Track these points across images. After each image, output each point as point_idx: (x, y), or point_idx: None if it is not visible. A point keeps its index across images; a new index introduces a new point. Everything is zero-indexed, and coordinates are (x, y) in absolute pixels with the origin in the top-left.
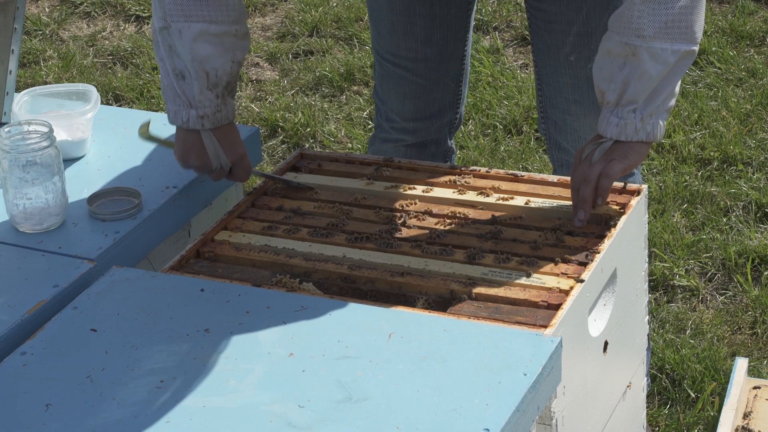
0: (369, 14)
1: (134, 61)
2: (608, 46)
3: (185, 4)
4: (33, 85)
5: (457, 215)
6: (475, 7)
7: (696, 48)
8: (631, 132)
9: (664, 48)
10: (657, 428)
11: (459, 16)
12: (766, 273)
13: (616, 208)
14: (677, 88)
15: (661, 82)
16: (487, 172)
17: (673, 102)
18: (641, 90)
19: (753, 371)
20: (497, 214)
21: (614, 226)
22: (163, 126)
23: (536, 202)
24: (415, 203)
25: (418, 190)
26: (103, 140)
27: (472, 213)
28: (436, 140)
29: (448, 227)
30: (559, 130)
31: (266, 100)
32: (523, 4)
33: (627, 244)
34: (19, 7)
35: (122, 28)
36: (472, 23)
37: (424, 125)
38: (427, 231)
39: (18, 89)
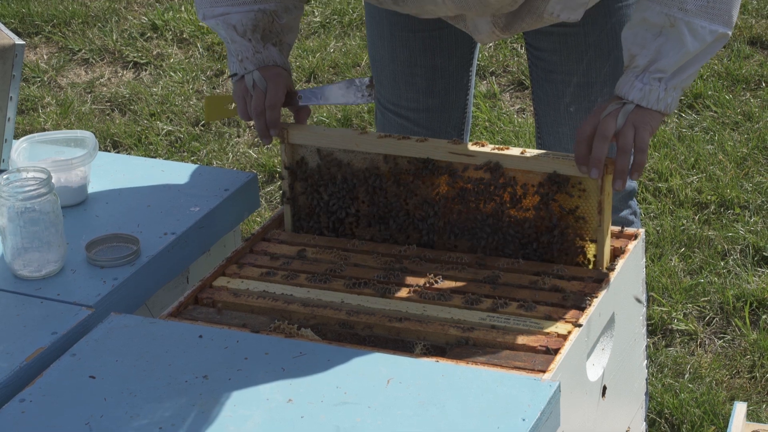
0: (371, 64)
1: (132, 107)
2: (645, 15)
3: None
4: (31, 132)
5: (455, 260)
6: (476, 58)
7: (730, 33)
8: (653, 100)
9: (704, 26)
10: None
11: (460, 66)
12: (764, 317)
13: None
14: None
15: (692, 59)
16: None
17: (691, 81)
18: (674, 62)
19: (752, 415)
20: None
21: (612, 270)
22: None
23: (531, 153)
24: (413, 248)
25: (412, 140)
26: (101, 187)
27: (469, 258)
28: None
29: (446, 272)
30: None
31: (264, 146)
32: (521, 50)
33: (625, 288)
34: (17, 54)
35: (120, 74)
36: (474, 73)
37: None
38: (425, 276)
39: (16, 136)
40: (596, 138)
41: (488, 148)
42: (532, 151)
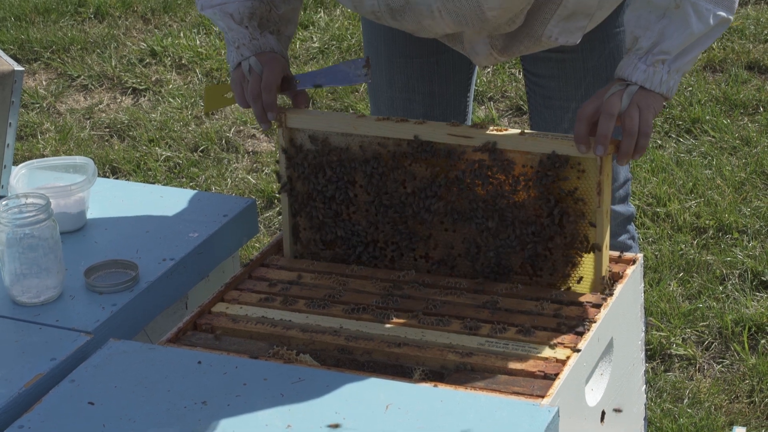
0: (368, 90)
1: (131, 133)
2: None
3: None
4: (30, 158)
5: (453, 285)
6: (474, 84)
7: (731, 18)
8: (656, 82)
9: (708, 8)
10: None
11: (457, 93)
12: (762, 341)
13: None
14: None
15: (694, 42)
16: None
17: (691, 66)
18: (677, 44)
19: None
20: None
21: (610, 295)
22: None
23: (530, 134)
24: (411, 273)
25: (411, 122)
26: (100, 213)
27: (467, 283)
28: None
29: (444, 297)
30: None
31: (262, 171)
32: (519, 75)
33: (623, 313)
34: (16, 81)
35: (119, 100)
36: (472, 99)
37: None
38: (424, 301)
39: (15, 162)
40: (602, 116)
41: (487, 130)
42: (530, 132)
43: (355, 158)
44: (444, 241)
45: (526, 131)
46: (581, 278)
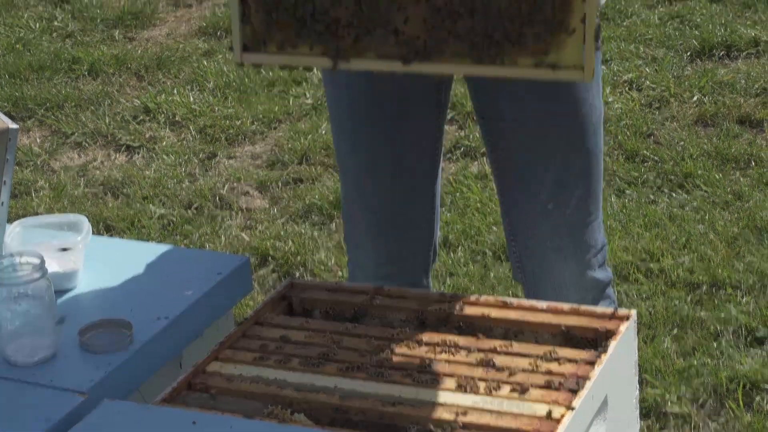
0: (336, 158)
1: (125, 191)
2: None
3: None
4: (24, 216)
5: (448, 343)
6: (442, 147)
7: None
8: None
9: None
10: None
11: (426, 153)
12: (757, 398)
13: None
14: None
15: None
16: (476, 299)
17: None
18: None
19: None
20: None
21: (604, 352)
22: None
23: None
24: (406, 331)
25: None
26: (94, 271)
27: (462, 341)
28: (412, 283)
29: (438, 355)
30: (537, 280)
31: (256, 228)
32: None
33: (617, 370)
34: (11, 138)
35: (113, 158)
36: (440, 164)
37: (398, 269)
38: (418, 359)
39: (9, 220)
40: None
41: None
42: None
43: None
44: (416, 14)
45: None
46: (574, 31)
